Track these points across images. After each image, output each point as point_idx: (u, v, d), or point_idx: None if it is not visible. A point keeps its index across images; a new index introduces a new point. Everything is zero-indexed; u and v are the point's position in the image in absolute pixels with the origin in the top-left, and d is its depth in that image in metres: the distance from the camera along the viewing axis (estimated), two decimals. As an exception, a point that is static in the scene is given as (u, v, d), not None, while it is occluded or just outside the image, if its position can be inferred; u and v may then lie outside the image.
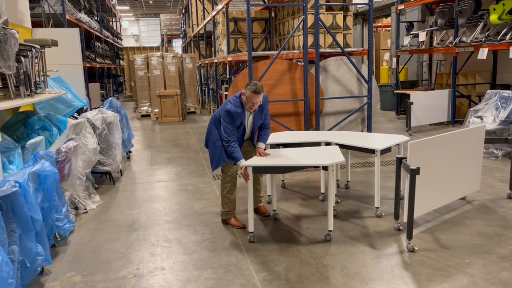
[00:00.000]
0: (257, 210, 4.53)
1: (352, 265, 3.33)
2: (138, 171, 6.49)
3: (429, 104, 8.87)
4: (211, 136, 4.08)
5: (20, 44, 4.44)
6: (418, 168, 3.44)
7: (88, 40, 13.47)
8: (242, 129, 4.06)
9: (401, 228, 3.95)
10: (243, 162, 3.83)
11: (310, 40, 7.23)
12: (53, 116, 5.38)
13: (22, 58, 4.52)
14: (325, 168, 3.69)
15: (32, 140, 4.56)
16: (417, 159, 3.62)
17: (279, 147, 4.43)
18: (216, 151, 4.03)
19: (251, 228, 3.81)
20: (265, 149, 4.14)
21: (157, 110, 12.21)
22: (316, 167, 3.67)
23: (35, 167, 3.37)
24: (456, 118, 9.36)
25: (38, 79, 5.25)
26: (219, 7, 9.62)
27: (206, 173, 6.18)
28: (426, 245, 3.62)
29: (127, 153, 7.40)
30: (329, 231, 3.78)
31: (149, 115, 13.07)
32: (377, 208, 4.33)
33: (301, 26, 7.14)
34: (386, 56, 14.71)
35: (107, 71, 16.57)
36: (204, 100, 14.93)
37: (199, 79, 15.55)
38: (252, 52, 6.94)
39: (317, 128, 7.22)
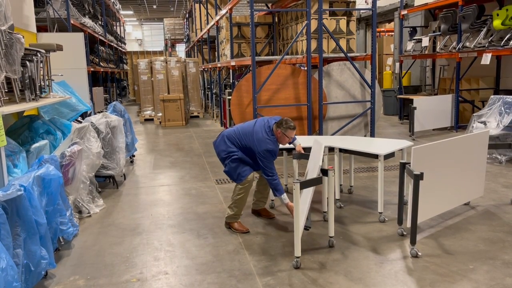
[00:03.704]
0: (260, 213, 4.54)
1: (356, 270, 3.33)
2: (141, 175, 6.50)
3: (432, 109, 8.86)
4: (233, 154, 4.13)
5: (26, 49, 4.48)
6: (422, 173, 3.44)
7: (92, 44, 13.54)
8: None
9: (404, 233, 3.94)
10: (287, 199, 3.97)
11: (313, 45, 7.25)
12: (57, 120, 5.40)
13: (28, 63, 4.56)
14: (325, 173, 3.66)
15: (36, 144, 4.58)
16: (420, 164, 3.62)
17: (282, 152, 4.44)
18: (239, 167, 4.12)
19: (297, 252, 3.42)
20: None
21: (160, 114, 12.25)
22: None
23: (40, 171, 3.38)
24: (460, 123, 9.35)
25: (43, 83, 5.28)
26: (223, 12, 9.66)
27: (209, 177, 6.19)
28: (429, 251, 3.61)
29: (130, 157, 7.42)
30: (330, 237, 3.77)
31: (152, 119, 13.10)
32: (380, 213, 4.33)
33: (304, 31, 7.17)
34: (389, 61, 14.73)
35: (110, 75, 16.64)
36: (207, 105, 14.96)
37: (202, 84, 15.59)
38: (256, 57, 6.97)
39: (320, 132, 7.22)
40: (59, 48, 5.63)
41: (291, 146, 4.47)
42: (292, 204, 3.89)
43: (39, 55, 4.89)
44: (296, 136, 4.42)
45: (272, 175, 3.98)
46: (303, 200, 3.56)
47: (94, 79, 13.58)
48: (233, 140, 4.15)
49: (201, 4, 14.56)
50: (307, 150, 4.51)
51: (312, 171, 3.69)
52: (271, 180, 3.99)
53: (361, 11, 14.45)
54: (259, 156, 3.98)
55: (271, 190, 4.52)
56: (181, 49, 32.99)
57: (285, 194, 3.97)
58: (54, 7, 9.19)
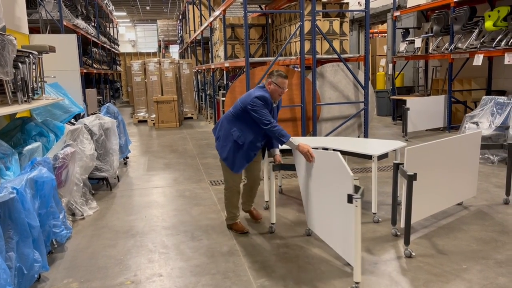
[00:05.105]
0: (249, 214, 4.53)
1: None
2: (135, 177, 6.48)
3: (425, 110, 8.92)
4: (230, 135, 3.88)
5: (18, 50, 4.45)
6: (415, 174, 3.46)
7: (85, 46, 13.48)
8: None
9: (398, 233, 3.96)
10: (298, 140, 3.69)
11: (307, 46, 7.27)
12: (50, 122, 5.37)
13: (20, 64, 4.53)
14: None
15: (29, 146, 4.55)
16: (414, 165, 3.64)
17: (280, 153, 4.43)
18: (239, 152, 3.88)
19: (357, 277, 3.05)
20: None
21: (154, 115, 12.21)
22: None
23: (33, 173, 3.36)
24: (452, 124, 9.41)
25: (36, 85, 5.25)
26: (216, 13, 9.66)
27: (203, 179, 6.18)
28: (423, 251, 3.63)
29: (124, 159, 7.39)
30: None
31: (146, 121, 13.06)
32: (374, 214, 4.34)
33: (298, 32, 7.18)
34: (382, 62, 14.80)
35: (104, 76, 16.57)
36: (201, 106, 14.94)
37: (196, 85, 15.57)
38: (249, 58, 6.97)
39: (314, 134, 7.24)
40: (52, 49, 5.60)
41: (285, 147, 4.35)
42: (304, 145, 3.60)
43: (32, 57, 4.87)
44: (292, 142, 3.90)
45: (270, 122, 3.65)
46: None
47: (87, 80, 13.51)
48: (229, 118, 3.95)
49: (194, 6, 14.55)
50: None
51: (332, 185, 3.35)
52: (271, 128, 3.65)
53: (354, 12, 14.50)
54: (251, 109, 3.70)
55: (256, 193, 4.40)
56: (174, 50, 32.93)
57: (292, 137, 3.69)
58: (46, 9, 9.14)
